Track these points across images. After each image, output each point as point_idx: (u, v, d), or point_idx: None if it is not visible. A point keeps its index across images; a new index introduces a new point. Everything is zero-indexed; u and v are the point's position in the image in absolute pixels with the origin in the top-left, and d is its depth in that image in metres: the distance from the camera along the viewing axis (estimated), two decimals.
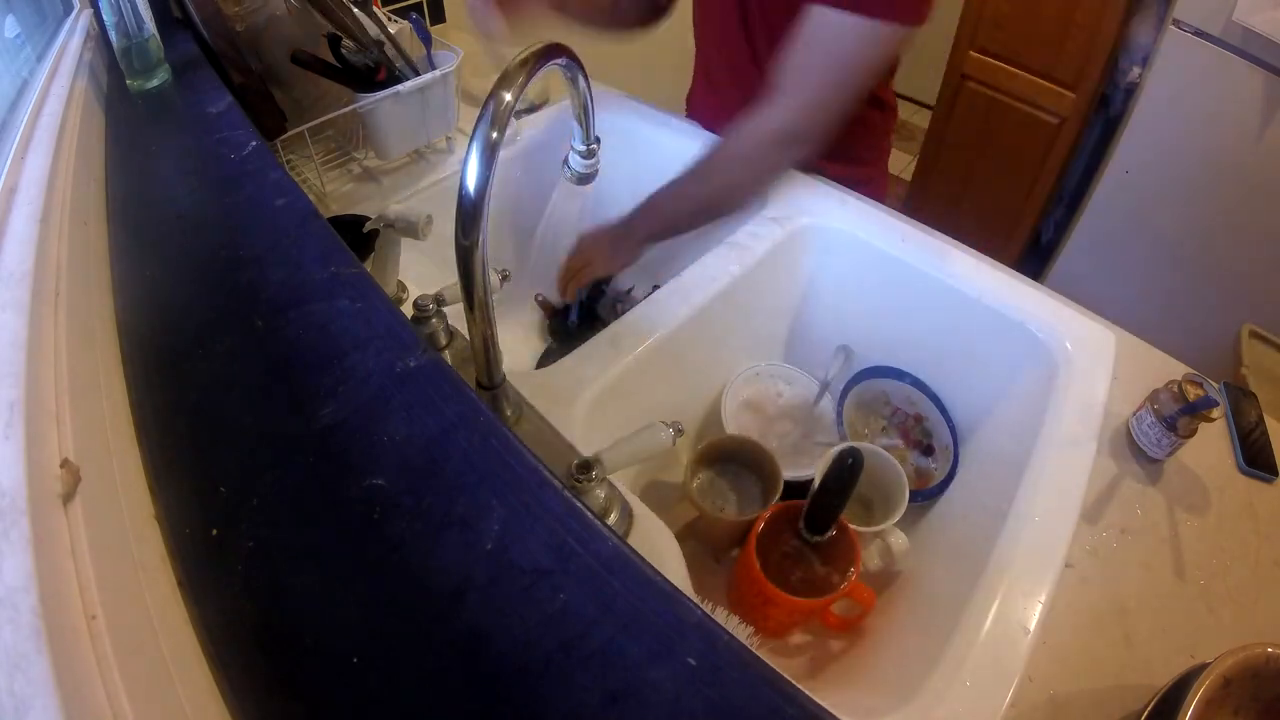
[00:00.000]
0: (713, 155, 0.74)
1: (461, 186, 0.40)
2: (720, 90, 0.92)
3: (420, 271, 0.75)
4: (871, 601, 0.57)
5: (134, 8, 0.68)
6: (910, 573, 0.64)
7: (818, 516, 0.57)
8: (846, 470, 0.54)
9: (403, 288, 0.68)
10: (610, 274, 0.87)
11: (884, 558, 0.61)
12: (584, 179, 0.61)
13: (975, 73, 1.66)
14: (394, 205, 0.67)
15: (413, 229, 0.62)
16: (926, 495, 0.70)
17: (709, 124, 0.92)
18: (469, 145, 0.40)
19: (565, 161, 0.60)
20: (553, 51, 0.44)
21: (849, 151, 0.86)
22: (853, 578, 0.56)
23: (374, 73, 0.73)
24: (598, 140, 0.57)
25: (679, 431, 0.50)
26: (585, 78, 0.50)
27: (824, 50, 0.66)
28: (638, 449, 0.49)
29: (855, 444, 0.64)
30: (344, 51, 0.71)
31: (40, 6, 0.75)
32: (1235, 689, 0.41)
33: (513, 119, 0.90)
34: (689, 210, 0.77)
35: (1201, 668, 0.43)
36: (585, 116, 0.54)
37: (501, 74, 0.41)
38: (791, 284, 0.79)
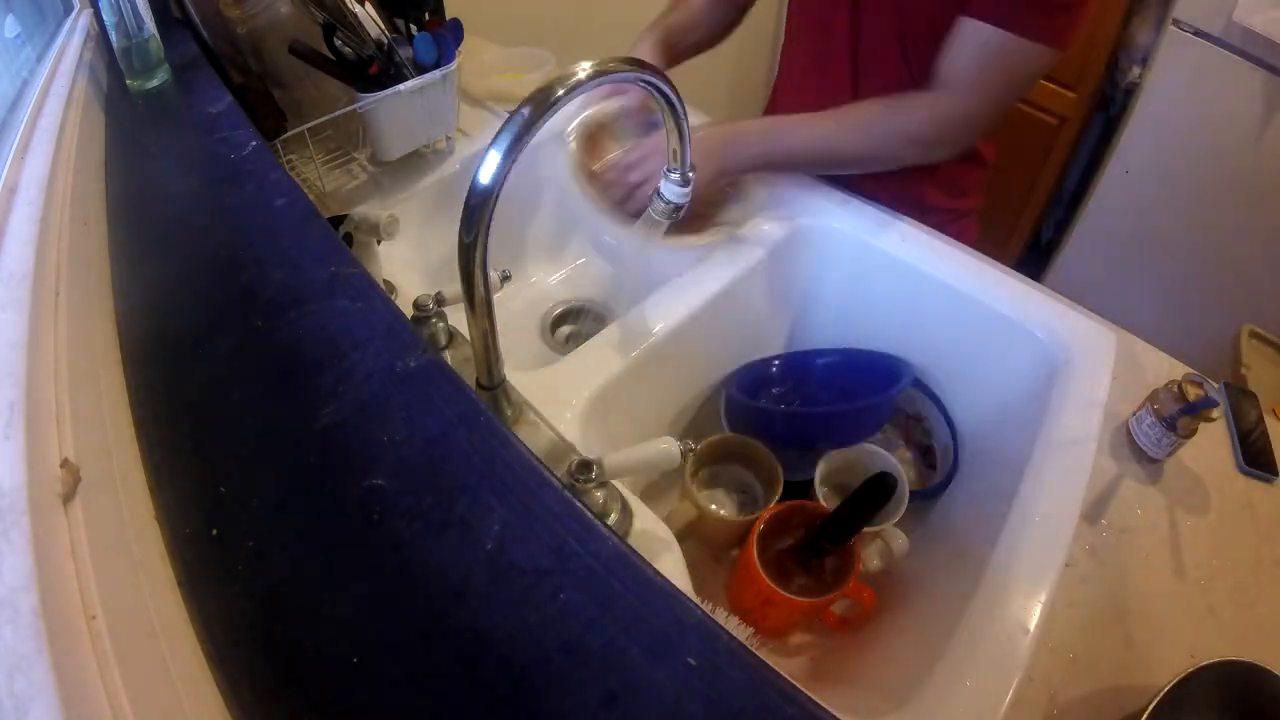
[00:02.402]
0: (863, 117, 0.72)
1: (474, 180, 0.39)
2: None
3: (421, 271, 0.75)
4: (871, 602, 0.57)
5: (134, 8, 0.68)
6: (910, 573, 0.64)
7: (840, 530, 0.57)
8: (884, 492, 0.55)
9: (390, 287, 0.68)
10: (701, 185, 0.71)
11: (884, 558, 0.61)
12: (675, 211, 0.56)
13: None
14: (359, 207, 0.67)
15: (375, 229, 0.63)
16: (926, 495, 0.70)
17: None
18: (497, 136, 0.38)
19: (656, 194, 0.55)
20: (644, 69, 0.43)
21: (956, 183, 0.86)
22: (852, 578, 0.56)
23: (367, 65, 0.72)
24: (693, 168, 0.53)
25: (690, 449, 0.48)
26: (679, 100, 0.47)
27: (992, 66, 0.67)
28: (644, 460, 0.47)
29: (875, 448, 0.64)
30: (337, 42, 0.71)
31: (40, 6, 0.75)
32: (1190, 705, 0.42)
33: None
34: (814, 156, 0.73)
35: (1202, 668, 0.43)
36: (681, 141, 0.50)
37: (565, 75, 0.39)
38: (792, 284, 0.79)
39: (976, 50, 0.67)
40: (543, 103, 0.39)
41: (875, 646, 0.59)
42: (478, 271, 0.42)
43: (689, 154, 0.51)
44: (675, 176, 0.53)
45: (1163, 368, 0.67)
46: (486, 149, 0.39)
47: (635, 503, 0.50)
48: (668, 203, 0.55)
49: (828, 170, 0.76)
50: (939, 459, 0.74)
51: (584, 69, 0.40)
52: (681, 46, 0.88)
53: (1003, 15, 0.64)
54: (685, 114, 0.48)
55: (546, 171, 0.91)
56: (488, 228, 0.41)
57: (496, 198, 0.40)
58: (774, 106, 0.98)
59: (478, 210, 0.40)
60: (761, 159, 0.73)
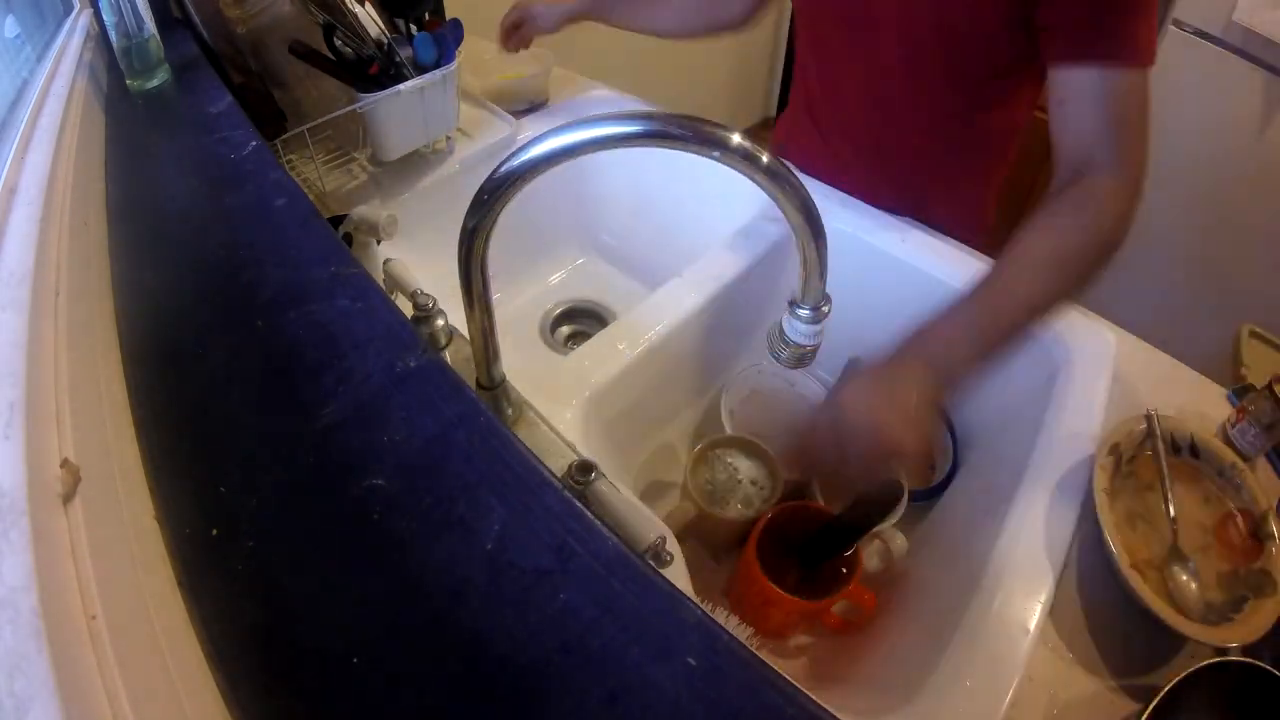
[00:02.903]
0: (1049, 260, 0.54)
1: (501, 165, 0.37)
2: (829, 139, 0.87)
3: (421, 272, 0.75)
4: (872, 604, 0.57)
5: (134, 8, 0.68)
6: (910, 573, 0.64)
7: (843, 538, 0.57)
8: (890, 502, 0.55)
9: (393, 284, 0.68)
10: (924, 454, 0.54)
11: (883, 558, 0.61)
12: (802, 360, 0.45)
13: None
14: (358, 208, 0.67)
15: (374, 229, 0.62)
16: (926, 495, 0.70)
17: (802, 162, 0.85)
18: (562, 130, 0.36)
19: (778, 334, 0.45)
20: (776, 164, 0.36)
21: (973, 213, 0.84)
22: (853, 580, 0.56)
23: (367, 65, 0.72)
24: (829, 299, 0.42)
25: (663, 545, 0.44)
26: (808, 199, 0.37)
27: (1132, 111, 0.57)
28: (628, 515, 0.44)
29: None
30: (337, 42, 0.71)
31: (40, 6, 0.75)
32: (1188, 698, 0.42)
33: (513, 119, 0.90)
34: (1022, 329, 0.53)
35: (1202, 668, 0.43)
36: (817, 259, 0.39)
37: (667, 120, 0.35)
38: (791, 283, 0.79)
39: (1107, 105, 0.57)
40: (643, 135, 0.35)
41: (875, 647, 0.59)
42: (477, 264, 0.42)
43: (823, 286, 0.41)
44: (804, 312, 0.43)
45: (1163, 368, 0.67)
46: (542, 136, 0.36)
47: (635, 502, 0.51)
48: (794, 346, 0.44)
49: (1059, 307, 0.55)
50: (938, 459, 0.74)
51: (700, 133, 0.35)
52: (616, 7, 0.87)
53: (1114, 54, 0.56)
54: (825, 235, 0.39)
55: (550, 172, 0.91)
56: (495, 217, 0.40)
57: (513, 192, 0.38)
58: (786, 130, 0.97)
59: (493, 191, 0.38)
60: (978, 353, 0.52)
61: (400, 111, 0.75)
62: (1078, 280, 0.55)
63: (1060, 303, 0.54)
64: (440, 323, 0.56)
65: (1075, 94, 0.58)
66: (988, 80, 0.71)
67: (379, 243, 0.70)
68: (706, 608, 0.32)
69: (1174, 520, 0.52)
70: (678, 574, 0.47)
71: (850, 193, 0.81)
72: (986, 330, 0.51)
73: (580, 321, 0.94)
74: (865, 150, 0.83)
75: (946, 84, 0.73)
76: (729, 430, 0.70)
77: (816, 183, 0.82)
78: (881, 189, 0.81)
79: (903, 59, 0.73)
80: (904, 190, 0.82)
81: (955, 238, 0.78)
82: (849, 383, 0.52)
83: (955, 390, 0.51)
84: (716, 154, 0.36)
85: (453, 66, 0.77)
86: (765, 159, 0.36)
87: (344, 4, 0.69)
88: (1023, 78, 0.72)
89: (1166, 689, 0.42)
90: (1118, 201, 0.56)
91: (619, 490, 0.46)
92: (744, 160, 0.36)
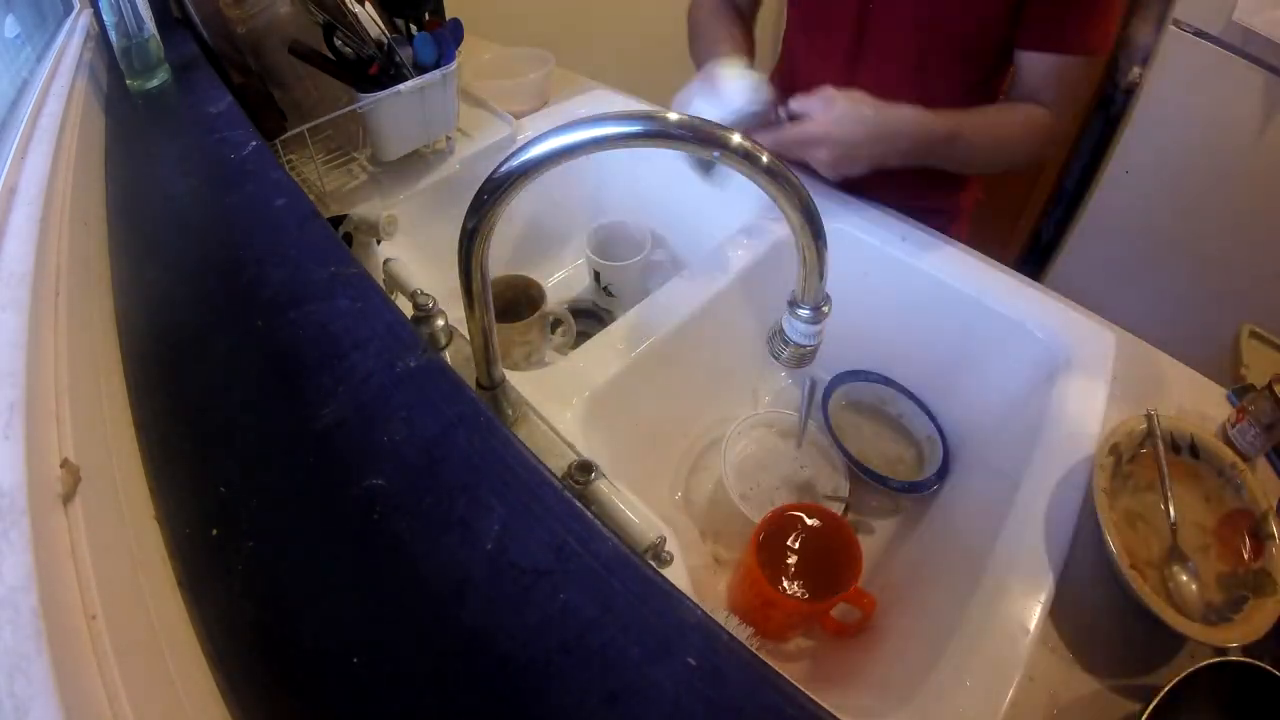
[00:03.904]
0: (1001, 117, 0.76)
1: (501, 165, 0.37)
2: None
3: (420, 271, 0.75)
4: (872, 607, 0.57)
5: (134, 8, 0.68)
6: (910, 573, 0.64)
7: None
8: None
9: (393, 283, 0.68)
10: (841, 174, 0.72)
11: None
12: (803, 359, 0.45)
13: None
14: (358, 207, 0.67)
15: (374, 229, 0.62)
16: (913, 489, 0.70)
17: None
18: (568, 127, 0.35)
19: (777, 333, 0.45)
20: (776, 162, 0.36)
21: (945, 179, 0.86)
22: (854, 583, 0.56)
23: (367, 65, 0.72)
24: (828, 299, 0.43)
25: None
26: (808, 199, 0.38)
27: (1066, 89, 0.74)
28: (627, 516, 0.44)
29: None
30: (337, 42, 0.71)
31: (40, 6, 0.75)
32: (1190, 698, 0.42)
33: (513, 119, 0.90)
34: (956, 155, 0.74)
35: (1202, 668, 0.43)
36: (817, 259, 0.39)
37: (680, 122, 0.35)
38: (790, 283, 0.79)
39: (1051, 78, 0.73)
40: (644, 134, 0.35)
41: (875, 647, 0.59)
42: (477, 263, 0.42)
43: (823, 285, 0.41)
44: (804, 312, 0.43)
45: (1163, 368, 0.67)
46: (542, 136, 0.36)
47: (635, 502, 0.50)
48: (794, 346, 0.44)
49: (973, 169, 0.82)
50: (926, 453, 0.75)
51: (700, 133, 0.35)
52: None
53: (1063, 42, 0.71)
54: (825, 235, 0.39)
55: (549, 171, 0.91)
56: (495, 218, 0.40)
57: (515, 192, 0.38)
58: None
59: (493, 191, 0.38)
60: (912, 158, 0.72)
61: (400, 111, 0.75)
62: (999, 153, 0.76)
63: (985, 161, 0.77)
64: (440, 323, 0.56)
65: (1031, 69, 0.74)
66: (985, 64, 0.78)
67: (379, 243, 0.70)
68: (706, 608, 0.32)
69: (1174, 520, 0.52)
70: (678, 574, 0.47)
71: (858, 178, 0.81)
72: (936, 145, 0.72)
73: (580, 321, 0.94)
74: None
75: (946, 68, 0.77)
76: (733, 496, 0.67)
77: (817, 183, 0.82)
78: (881, 173, 0.81)
79: (901, 45, 0.77)
80: (900, 172, 0.82)
81: (948, 216, 0.81)
82: (849, 107, 0.68)
83: (896, 158, 0.71)
84: (716, 154, 0.35)
85: (453, 66, 0.77)
86: (765, 159, 0.36)
87: (344, 4, 0.69)
88: (1006, 64, 0.78)
89: (1166, 689, 0.42)
90: (1047, 130, 0.76)
91: (619, 490, 0.46)
92: (744, 160, 0.36)
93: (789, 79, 0.92)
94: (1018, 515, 0.52)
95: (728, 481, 0.67)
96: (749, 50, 0.86)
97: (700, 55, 0.87)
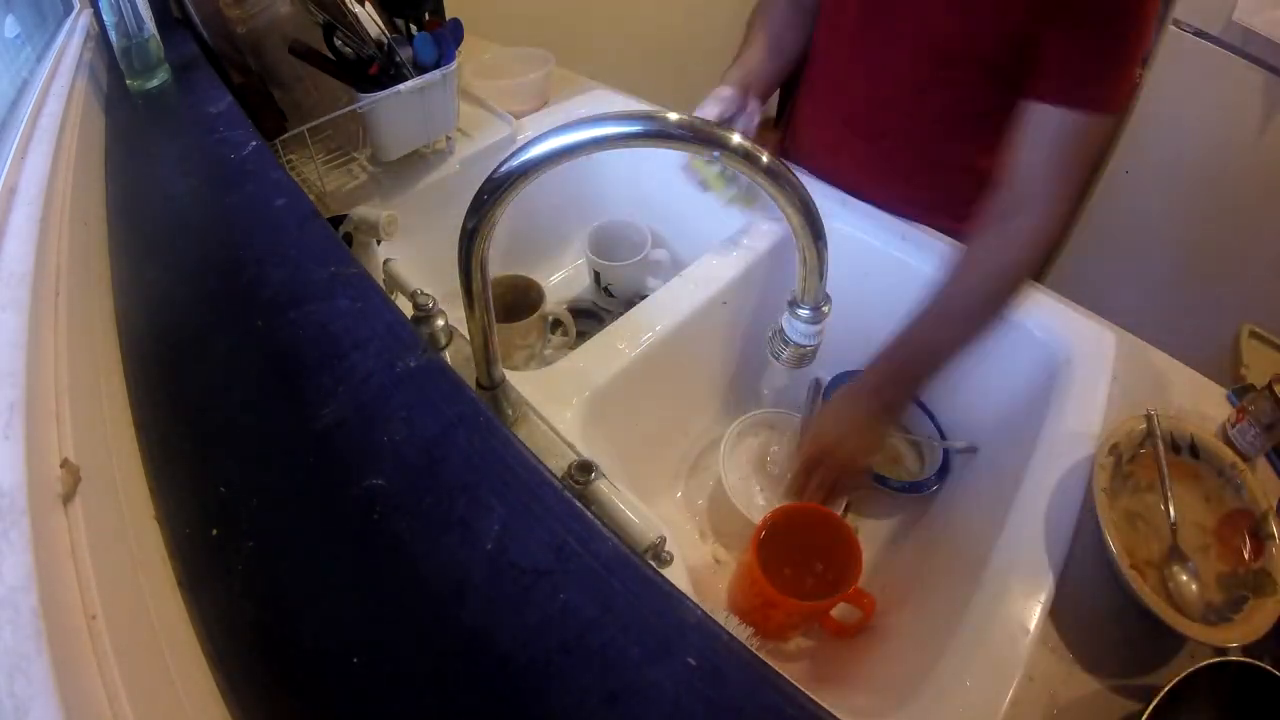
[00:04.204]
0: (963, 289, 0.65)
1: (501, 165, 0.37)
2: (840, 127, 0.86)
3: (420, 271, 0.75)
4: (871, 608, 0.57)
5: (134, 8, 0.68)
6: (910, 573, 0.64)
7: None
8: None
9: (393, 284, 0.68)
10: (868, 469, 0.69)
11: None
12: (803, 359, 0.46)
13: None
14: (358, 208, 0.67)
15: (374, 229, 0.62)
16: (912, 489, 0.70)
17: (821, 159, 0.86)
18: (568, 127, 0.35)
19: (777, 333, 0.45)
20: (776, 163, 0.36)
21: (967, 207, 0.84)
22: (854, 584, 0.56)
23: (367, 65, 0.72)
24: (828, 299, 0.43)
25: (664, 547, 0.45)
26: (808, 199, 0.38)
27: (1069, 151, 0.63)
28: (628, 517, 0.45)
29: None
30: (337, 42, 0.71)
31: (40, 6, 0.75)
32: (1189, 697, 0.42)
33: (513, 119, 0.90)
34: (951, 357, 0.65)
35: (1202, 668, 0.43)
36: (817, 259, 0.40)
37: (681, 123, 0.35)
38: (791, 283, 0.79)
39: (1055, 139, 0.63)
40: (644, 134, 0.35)
41: (875, 647, 0.59)
42: (477, 263, 0.42)
43: (823, 285, 0.42)
44: (804, 312, 0.43)
45: (1163, 367, 0.67)
46: (542, 136, 0.36)
47: (635, 502, 0.50)
48: (794, 346, 0.45)
49: (983, 336, 0.67)
50: (926, 453, 0.75)
51: (700, 133, 0.35)
52: (763, 83, 0.82)
53: (1078, 97, 0.61)
54: (825, 236, 0.39)
55: (549, 171, 0.91)
56: (495, 218, 0.40)
57: (515, 192, 0.38)
58: (799, 109, 0.95)
59: (493, 191, 0.38)
60: (916, 395, 0.69)
61: (400, 111, 0.75)
62: (1002, 314, 0.65)
63: (982, 337, 0.65)
64: (440, 323, 0.56)
65: (1033, 124, 0.64)
66: (992, 67, 0.71)
67: (379, 243, 0.70)
68: (706, 608, 0.32)
69: (1174, 520, 0.52)
70: (678, 574, 0.47)
71: (861, 181, 0.81)
72: (921, 372, 0.65)
73: (580, 321, 0.94)
74: (878, 135, 0.82)
75: (956, 68, 0.72)
76: (734, 501, 0.67)
77: (817, 182, 0.82)
78: (896, 178, 0.81)
79: (930, 56, 0.73)
80: (919, 179, 0.81)
81: (952, 219, 0.80)
82: (816, 415, 0.66)
83: (900, 408, 0.68)
84: (716, 154, 0.35)
85: (453, 66, 0.77)
86: (765, 159, 0.36)
87: (344, 4, 0.69)
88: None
89: (1166, 689, 0.42)
90: (1040, 243, 0.64)
91: (619, 490, 0.46)
92: (744, 160, 0.36)
93: (817, 90, 0.90)
94: (1018, 515, 0.52)
95: (726, 482, 0.67)
96: (779, 50, 0.85)
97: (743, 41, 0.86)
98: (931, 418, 0.75)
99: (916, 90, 0.75)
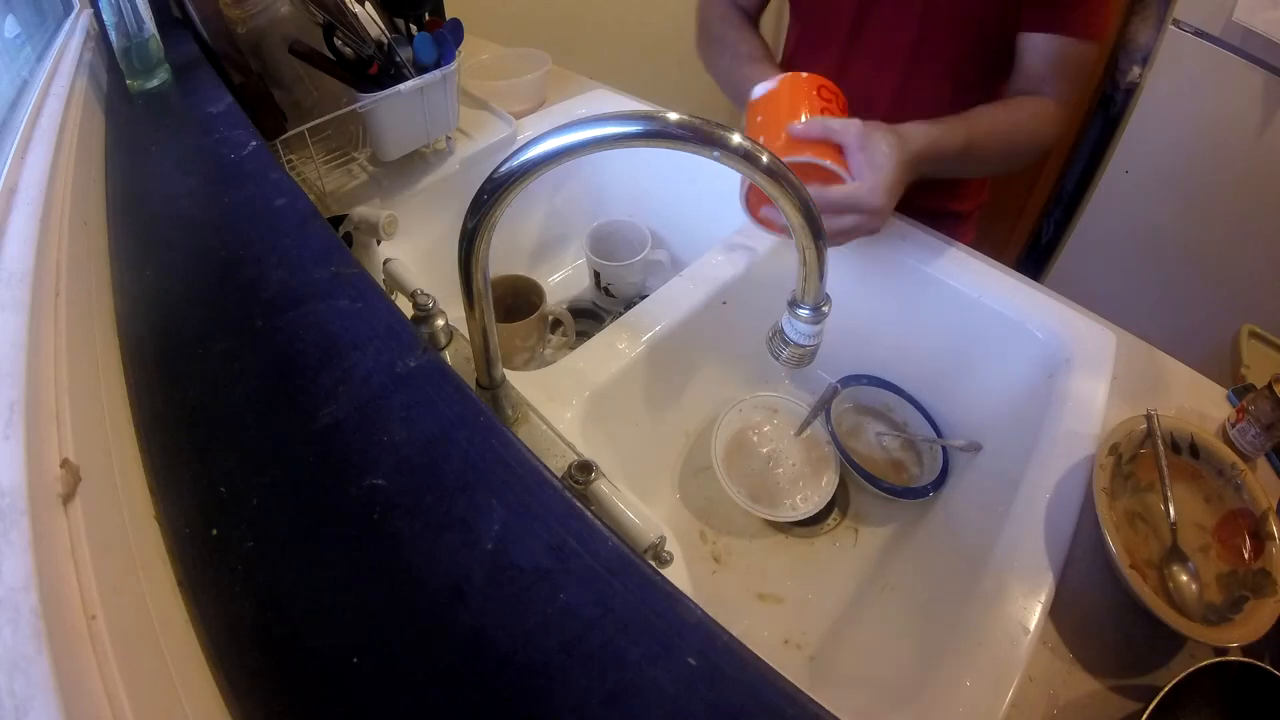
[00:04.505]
0: (1011, 118, 0.75)
1: (501, 165, 0.37)
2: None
3: (420, 271, 0.75)
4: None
5: (134, 8, 0.68)
6: (910, 573, 0.64)
7: None
8: None
9: (394, 283, 0.68)
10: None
11: None
12: (802, 360, 0.45)
13: None
14: (358, 208, 0.67)
15: (374, 229, 0.62)
16: (913, 494, 0.70)
17: None
18: (565, 131, 0.35)
19: (777, 334, 0.45)
20: (777, 164, 0.36)
21: (956, 186, 0.87)
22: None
23: (367, 65, 0.72)
24: (828, 299, 0.42)
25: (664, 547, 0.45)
26: (808, 199, 0.37)
27: (1069, 71, 0.75)
28: (628, 516, 0.45)
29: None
30: (337, 42, 0.71)
31: (40, 6, 0.75)
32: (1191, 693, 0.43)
33: (513, 119, 0.90)
34: (971, 160, 0.73)
35: (1202, 668, 0.43)
36: (817, 259, 0.39)
37: (684, 123, 0.35)
38: (790, 283, 0.79)
39: (1057, 61, 0.74)
40: (644, 134, 0.35)
41: (875, 647, 0.59)
42: (477, 263, 0.42)
43: (823, 286, 0.41)
44: (804, 312, 0.43)
45: (1163, 368, 0.67)
46: (542, 136, 0.36)
47: (634, 501, 0.50)
48: (794, 346, 0.44)
49: (985, 171, 0.82)
50: (925, 459, 0.75)
51: (700, 133, 0.35)
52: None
53: (1070, 25, 0.72)
54: (825, 235, 0.39)
55: (549, 171, 0.91)
56: (495, 218, 0.40)
57: (516, 191, 0.38)
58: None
59: (493, 191, 0.38)
60: (937, 170, 0.71)
61: (400, 111, 0.75)
62: (1012, 154, 0.76)
63: (998, 164, 0.77)
64: (440, 323, 0.56)
65: (1035, 50, 0.75)
66: (980, 61, 0.79)
67: (379, 243, 0.70)
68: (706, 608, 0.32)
69: (1174, 520, 0.52)
70: (678, 574, 0.47)
71: None
72: (949, 161, 0.71)
73: (580, 321, 0.94)
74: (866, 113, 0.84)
75: (939, 67, 0.78)
76: (722, 476, 0.68)
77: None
78: None
79: (896, 42, 0.78)
80: None
81: (957, 218, 0.80)
82: (884, 177, 0.64)
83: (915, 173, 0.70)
84: (716, 154, 0.35)
85: (453, 66, 0.77)
86: (765, 159, 0.36)
87: (344, 4, 0.69)
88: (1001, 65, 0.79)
89: (1166, 689, 0.42)
90: (1054, 120, 0.76)
91: (619, 490, 0.46)
92: (744, 160, 0.36)
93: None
94: (1018, 515, 0.52)
95: (716, 457, 0.67)
96: (768, 55, 0.86)
97: (722, 67, 0.86)
98: (930, 420, 0.75)
99: (904, 75, 0.79)
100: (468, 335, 0.49)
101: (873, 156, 0.62)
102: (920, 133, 0.67)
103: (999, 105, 0.75)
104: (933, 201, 0.82)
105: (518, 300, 0.81)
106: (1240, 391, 0.65)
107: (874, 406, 0.79)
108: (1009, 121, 0.75)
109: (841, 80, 0.80)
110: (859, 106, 0.79)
